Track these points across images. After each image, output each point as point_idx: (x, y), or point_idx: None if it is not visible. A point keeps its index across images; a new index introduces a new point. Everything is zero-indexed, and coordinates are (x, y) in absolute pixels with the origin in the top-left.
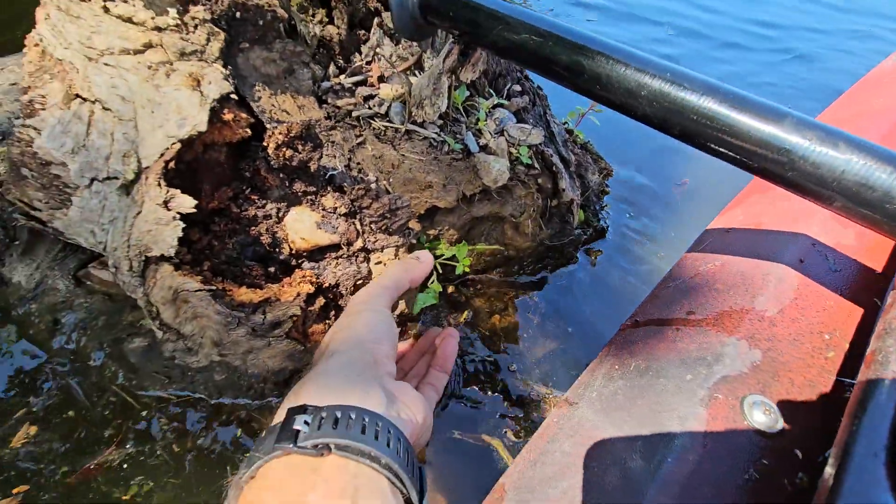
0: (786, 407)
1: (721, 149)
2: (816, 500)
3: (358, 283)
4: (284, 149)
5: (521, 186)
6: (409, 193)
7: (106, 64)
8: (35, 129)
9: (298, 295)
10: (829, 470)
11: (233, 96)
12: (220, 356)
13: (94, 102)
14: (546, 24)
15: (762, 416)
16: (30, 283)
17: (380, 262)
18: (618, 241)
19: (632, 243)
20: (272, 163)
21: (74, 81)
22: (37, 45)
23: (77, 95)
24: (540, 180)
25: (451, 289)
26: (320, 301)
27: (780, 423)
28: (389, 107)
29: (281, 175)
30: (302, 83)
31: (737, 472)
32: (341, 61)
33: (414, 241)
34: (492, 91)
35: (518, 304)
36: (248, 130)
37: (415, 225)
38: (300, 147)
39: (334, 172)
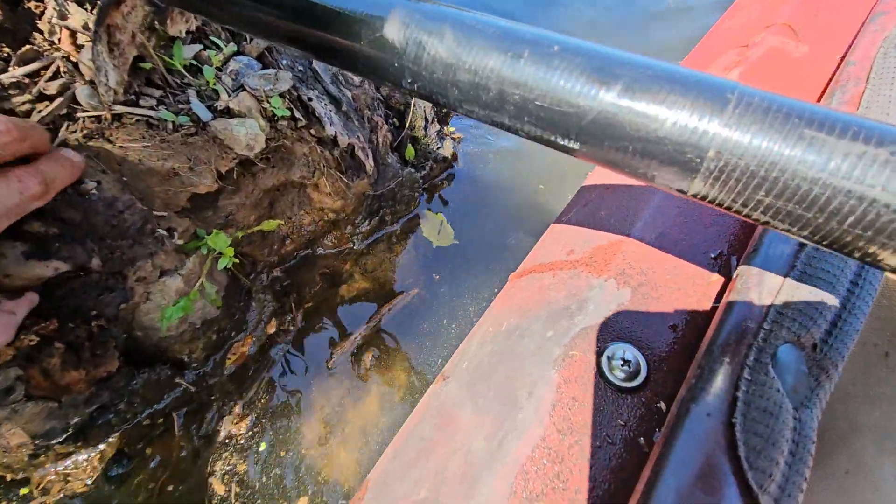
0: (653, 352)
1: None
2: (648, 465)
3: (121, 305)
4: None
5: (299, 143)
6: (156, 187)
7: None
8: None
9: (18, 352)
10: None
11: None
12: None
13: None
14: None
15: (621, 370)
16: None
17: (142, 278)
18: (469, 166)
19: (483, 163)
20: None
21: None
22: None
23: None
24: (313, 131)
25: (277, 273)
26: (59, 348)
27: (643, 374)
28: (73, 92)
29: None
30: None
31: (586, 440)
32: (7, 50)
33: (180, 242)
34: (220, 40)
35: (364, 265)
36: None
37: (178, 221)
38: None
39: None
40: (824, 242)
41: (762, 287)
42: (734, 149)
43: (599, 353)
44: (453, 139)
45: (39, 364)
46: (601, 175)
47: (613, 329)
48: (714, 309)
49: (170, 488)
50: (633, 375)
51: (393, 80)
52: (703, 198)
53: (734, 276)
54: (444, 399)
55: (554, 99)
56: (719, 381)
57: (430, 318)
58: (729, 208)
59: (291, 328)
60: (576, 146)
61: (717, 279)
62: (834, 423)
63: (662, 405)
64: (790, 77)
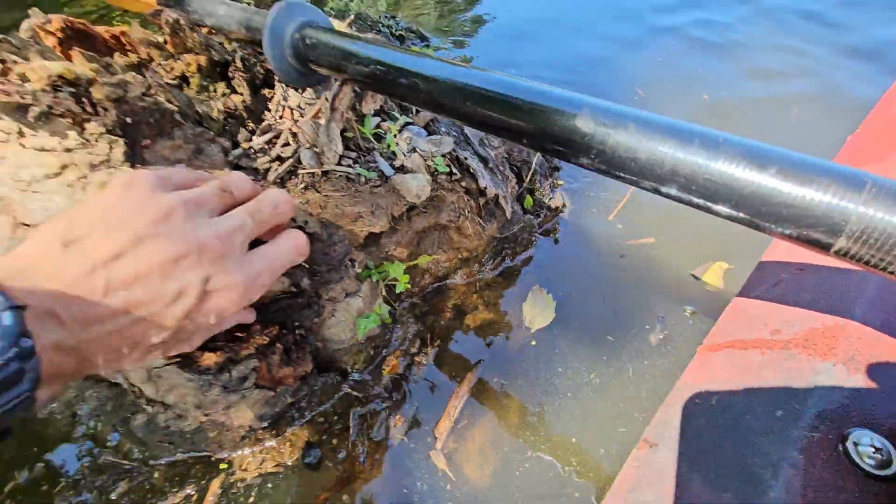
0: None
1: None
2: None
3: (315, 319)
4: None
5: (450, 193)
6: (344, 227)
7: (35, 191)
8: None
9: (257, 349)
10: None
11: None
12: (206, 416)
13: (34, 226)
14: (386, 55)
15: (871, 456)
16: None
17: (332, 298)
18: (576, 214)
19: (589, 212)
20: None
21: (17, 212)
22: None
23: (21, 223)
24: (464, 183)
25: (416, 300)
26: (279, 348)
27: None
28: (298, 155)
29: None
30: (213, 158)
31: None
32: (251, 124)
33: (358, 271)
34: (398, 113)
35: (488, 298)
36: None
37: (356, 255)
38: None
39: None
40: None
41: None
42: (872, 219)
43: (843, 439)
44: (563, 191)
45: (266, 360)
46: (786, 252)
47: (854, 415)
48: None
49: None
50: (885, 464)
51: (574, 158)
52: (846, 254)
53: None
54: (659, 466)
55: (719, 176)
56: None
57: (532, 369)
58: (867, 263)
59: (425, 362)
60: (734, 212)
61: None
62: None
63: None
64: None
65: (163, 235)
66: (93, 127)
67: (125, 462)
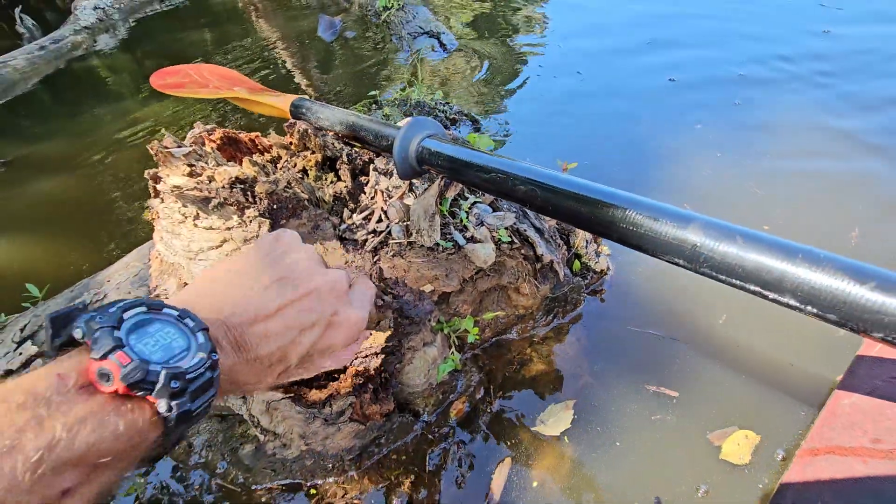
0: None
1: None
2: None
3: (396, 365)
4: None
5: (510, 259)
6: (423, 288)
7: (200, 259)
8: None
9: (353, 388)
10: None
11: None
12: (306, 445)
13: None
14: (506, 165)
15: None
16: None
17: (411, 347)
18: (619, 276)
19: (631, 274)
20: None
21: (182, 275)
22: (156, 257)
23: (185, 283)
24: (523, 251)
25: (478, 352)
26: (370, 387)
27: None
28: (390, 229)
29: None
30: (326, 232)
31: None
32: (352, 204)
33: (433, 324)
34: (468, 193)
35: (541, 352)
36: None
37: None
38: None
39: None
40: None
41: None
42: None
43: None
44: (606, 255)
45: (360, 398)
46: (882, 348)
47: None
48: None
49: None
50: None
51: (677, 259)
52: None
53: None
54: None
55: (821, 286)
56: None
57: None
58: None
59: (489, 409)
60: (835, 317)
61: None
62: None
63: None
64: None
65: (305, 273)
66: (250, 212)
67: (232, 486)
